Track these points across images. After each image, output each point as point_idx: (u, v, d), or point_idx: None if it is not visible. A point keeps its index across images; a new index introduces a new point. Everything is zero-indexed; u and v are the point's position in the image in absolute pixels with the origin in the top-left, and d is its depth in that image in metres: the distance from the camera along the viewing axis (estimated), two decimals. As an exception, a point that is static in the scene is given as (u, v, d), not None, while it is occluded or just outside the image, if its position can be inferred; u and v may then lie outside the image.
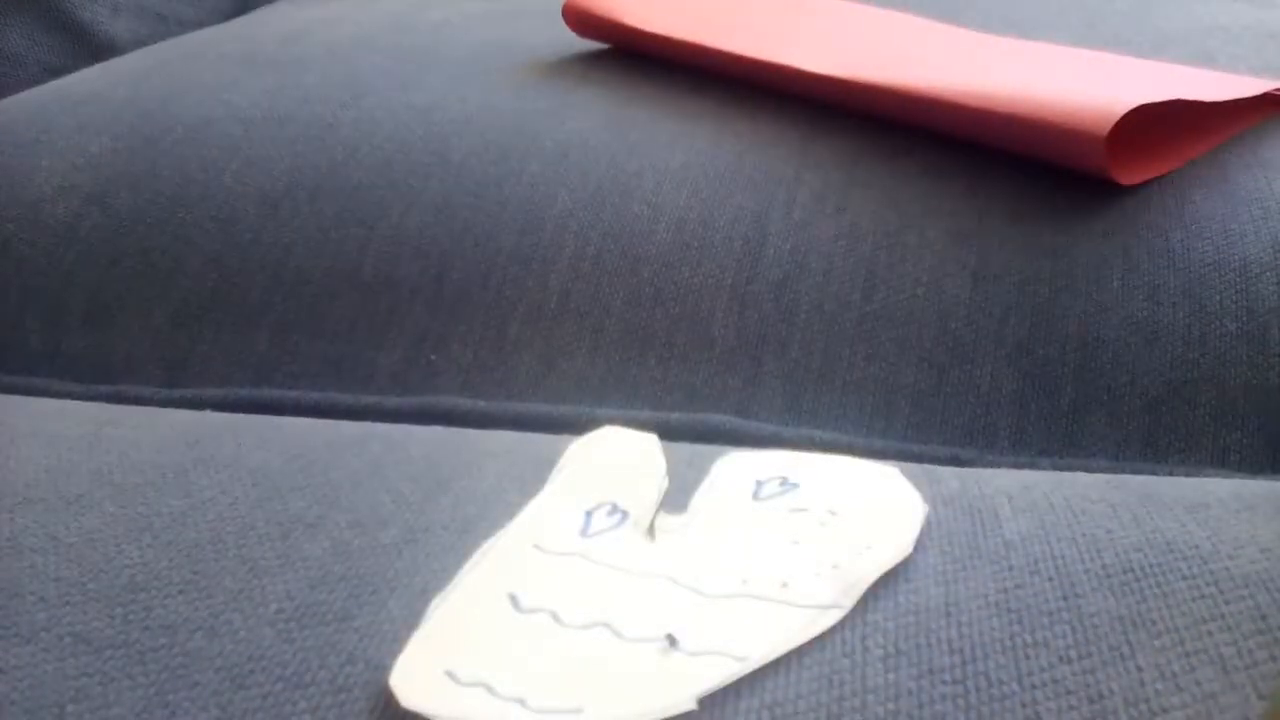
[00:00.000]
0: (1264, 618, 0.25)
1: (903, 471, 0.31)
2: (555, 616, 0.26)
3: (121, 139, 0.54)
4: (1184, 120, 0.47)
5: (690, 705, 0.23)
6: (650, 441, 0.34)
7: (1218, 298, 0.41)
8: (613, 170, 0.49)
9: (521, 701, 0.24)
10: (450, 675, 0.24)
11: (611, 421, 0.35)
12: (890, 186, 0.47)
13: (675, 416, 0.42)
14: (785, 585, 0.27)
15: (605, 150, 0.50)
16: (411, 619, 0.26)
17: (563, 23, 0.63)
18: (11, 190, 0.52)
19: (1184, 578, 0.26)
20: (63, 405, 0.39)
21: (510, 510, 0.30)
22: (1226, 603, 0.25)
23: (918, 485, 0.30)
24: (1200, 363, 0.40)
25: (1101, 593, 0.26)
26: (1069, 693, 0.23)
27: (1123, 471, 0.38)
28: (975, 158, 0.48)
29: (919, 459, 0.39)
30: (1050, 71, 0.49)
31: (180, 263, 0.49)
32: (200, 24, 0.85)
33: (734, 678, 0.24)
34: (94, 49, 0.76)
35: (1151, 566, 0.27)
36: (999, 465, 0.39)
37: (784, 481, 0.31)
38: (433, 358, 0.45)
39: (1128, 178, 0.45)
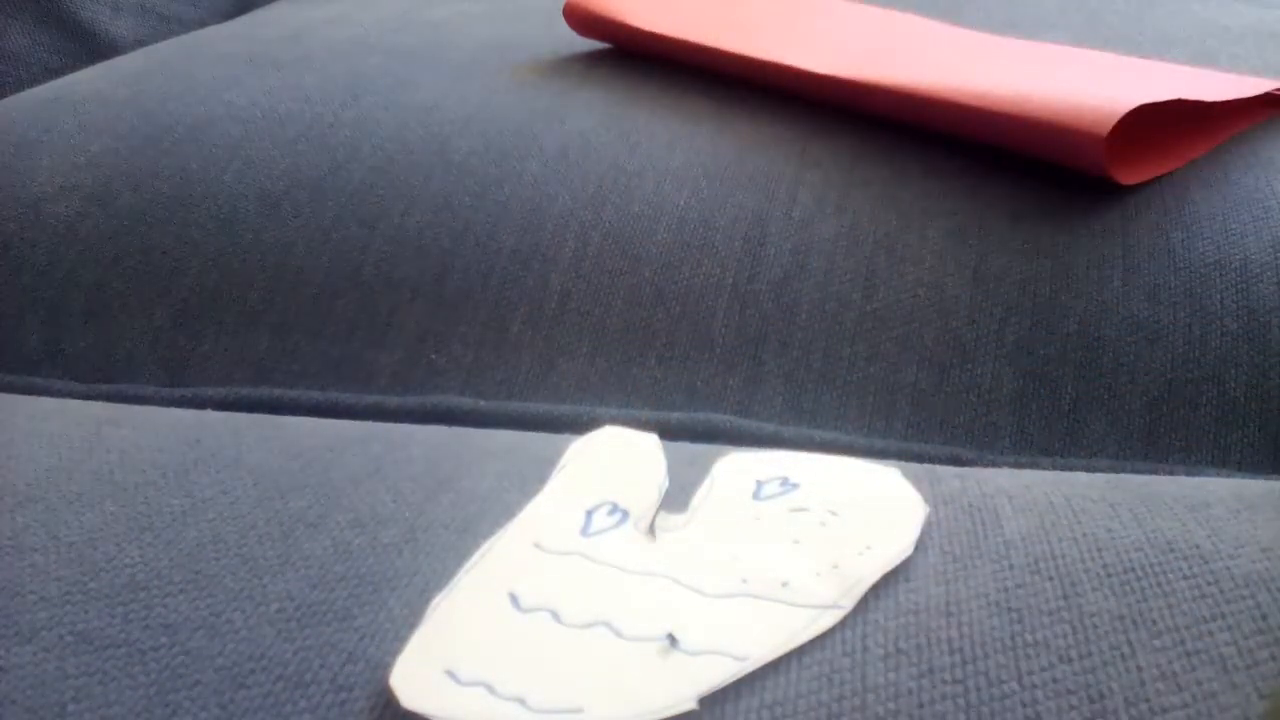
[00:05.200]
0: (1265, 617, 0.25)
1: (903, 471, 0.31)
2: (555, 616, 0.26)
3: (122, 138, 0.54)
4: (1184, 120, 0.47)
5: (690, 705, 0.23)
6: (651, 441, 0.34)
7: (1218, 297, 0.41)
8: (613, 170, 0.49)
9: (521, 701, 0.24)
10: (450, 674, 0.25)
11: (612, 421, 0.35)
12: (890, 186, 0.47)
13: (676, 416, 0.42)
14: (786, 585, 0.27)
15: (606, 150, 0.50)
16: (412, 618, 0.26)
17: (563, 22, 0.63)
18: (12, 189, 0.52)
19: (1185, 577, 0.26)
20: (63, 404, 0.39)
21: (510, 509, 0.30)
22: (1227, 602, 0.25)
23: (918, 485, 0.30)
24: (1201, 362, 0.40)
25: (1102, 592, 0.26)
26: (1069, 692, 0.23)
27: (1123, 471, 0.38)
28: (975, 158, 0.48)
29: (919, 458, 0.39)
30: (1050, 71, 0.49)
31: (181, 262, 0.49)
32: (201, 23, 0.85)
33: (734, 677, 0.24)
34: (95, 48, 0.76)
35: (1152, 566, 0.27)
36: (1000, 465, 0.39)
37: (784, 481, 0.31)
38: (433, 357, 0.45)
39: (1128, 177, 0.45)
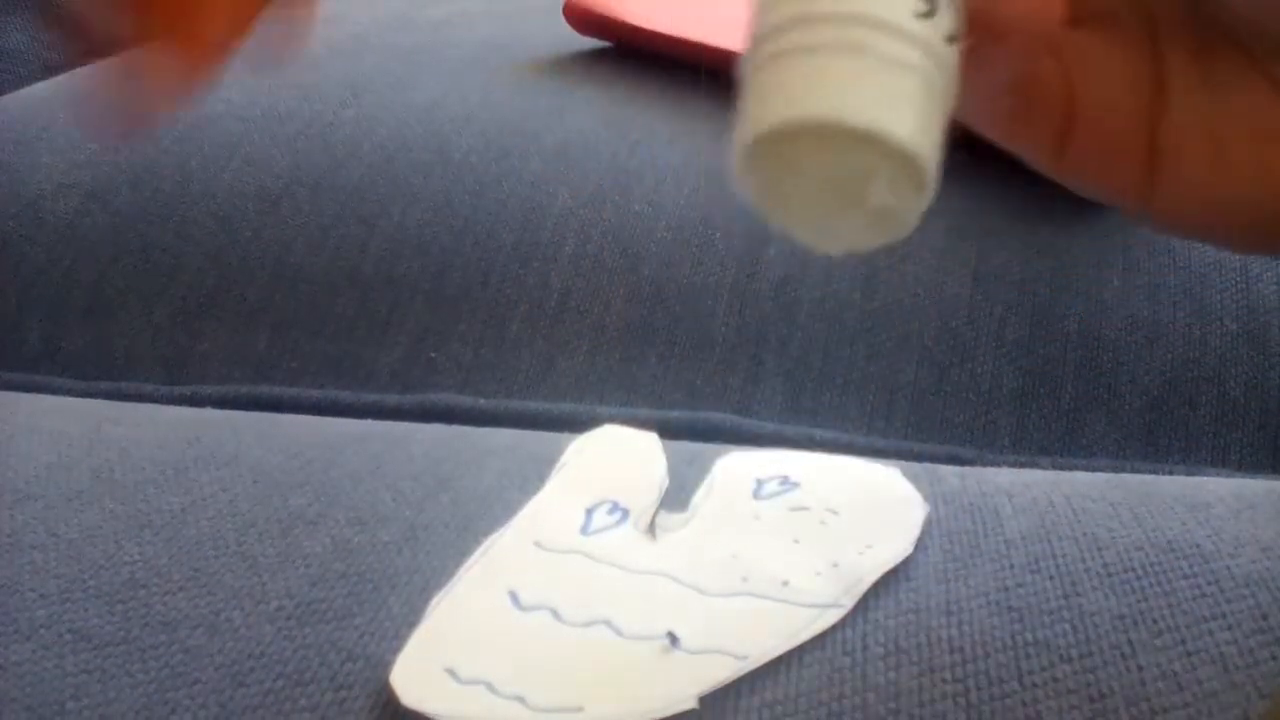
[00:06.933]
0: (1265, 617, 0.25)
1: (903, 470, 0.31)
2: (556, 614, 0.26)
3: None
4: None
5: (691, 704, 0.23)
6: (650, 440, 0.34)
7: (1218, 297, 0.41)
8: (613, 168, 0.49)
9: (522, 699, 0.24)
10: (451, 673, 0.24)
11: (612, 419, 0.35)
12: (891, 185, 0.47)
13: (675, 415, 0.42)
14: (786, 584, 0.27)
15: (606, 148, 0.50)
16: (412, 616, 0.26)
17: (563, 21, 0.63)
18: (12, 187, 0.52)
19: (1185, 577, 0.26)
20: (63, 402, 0.39)
21: (510, 508, 0.30)
22: (1228, 602, 0.25)
23: (918, 484, 0.30)
24: (1201, 362, 0.40)
25: (1102, 591, 0.26)
26: (1070, 692, 0.23)
27: (1123, 470, 0.38)
28: (975, 157, 0.48)
29: (919, 458, 0.39)
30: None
31: (180, 260, 0.49)
32: (200, 21, 0.84)
33: (734, 676, 0.24)
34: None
35: (1152, 565, 0.27)
36: (999, 464, 0.39)
37: (784, 480, 0.31)
38: (433, 355, 0.45)
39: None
